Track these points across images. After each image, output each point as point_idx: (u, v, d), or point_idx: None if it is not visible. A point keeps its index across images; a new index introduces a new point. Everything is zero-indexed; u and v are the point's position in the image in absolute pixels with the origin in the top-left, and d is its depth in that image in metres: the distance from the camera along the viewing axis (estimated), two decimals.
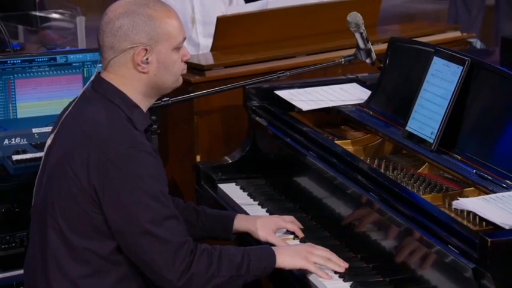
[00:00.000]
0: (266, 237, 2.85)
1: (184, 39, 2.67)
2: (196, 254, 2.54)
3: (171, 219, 2.53)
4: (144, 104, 2.67)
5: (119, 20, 2.59)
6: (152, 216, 2.50)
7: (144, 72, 2.61)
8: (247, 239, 2.92)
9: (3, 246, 3.34)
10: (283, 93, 3.41)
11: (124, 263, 2.58)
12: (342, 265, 2.67)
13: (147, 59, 2.60)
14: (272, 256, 2.64)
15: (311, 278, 2.65)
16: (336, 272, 2.65)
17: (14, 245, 3.34)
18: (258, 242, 2.86)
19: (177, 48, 2.64)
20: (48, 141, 2.71)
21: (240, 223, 2.92)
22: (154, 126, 3.30)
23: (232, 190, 3.34)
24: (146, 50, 2.59)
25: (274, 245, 2.80)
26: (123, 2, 2.64)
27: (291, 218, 2.96)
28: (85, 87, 2.71)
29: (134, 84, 2.63)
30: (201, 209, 2.97)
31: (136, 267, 2.58)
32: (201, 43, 4.47)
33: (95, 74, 2.69)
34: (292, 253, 2.69)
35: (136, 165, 2.51)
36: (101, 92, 2.63)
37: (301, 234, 2.91)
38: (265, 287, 3.17)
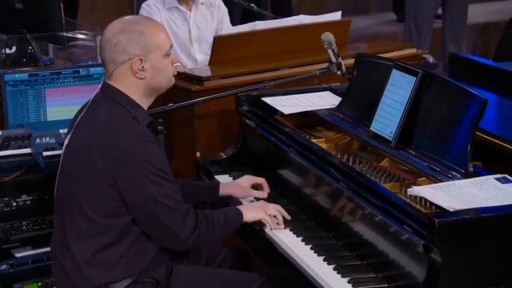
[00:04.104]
0: (246, 195, 3.04)
1: (171, 46, 2.69)
2: (198, 217, 2.63)
3: (177, 192, 2.61)
4: (145, 103, 2.70)
5: (115, 38, 2.61)
6: (164, 191, 2.57)
7: (141, 78, 2.64)
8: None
9: (35, 228, 3.33)
10: (268, 100, 3.42)
11: (135, 233, 2.62)
12: (288, 217, 2.84)
13: (143, 67, 2.63)
14: (240, 214, 2.79)
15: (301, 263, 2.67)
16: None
17: (44, 226, 3.34)
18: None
19: (167, 54, 2.67)
20: (66, 141, 2.73)
21: (223, 190, 3.08)
22: (161, 127, 3.33)
23: (226, 180, 3.32)
24: (141, 59, 2.61)
25: (254, 199, 3.05)
26: (117, 23, 2.66)
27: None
28: (95, 93, 2.72)
29: (135, 88, 2.66)
30: (190, 182, 3.09)
31: (145, 235, 2.63)
32: (198, 58, 4.48)
33: (102, 81, 2.70)
34: (252, 209, 2.84)
35: (147, 154, 2.55)
36: (109, 96, 2.65)
37: (266, 189, 3.09)
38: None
